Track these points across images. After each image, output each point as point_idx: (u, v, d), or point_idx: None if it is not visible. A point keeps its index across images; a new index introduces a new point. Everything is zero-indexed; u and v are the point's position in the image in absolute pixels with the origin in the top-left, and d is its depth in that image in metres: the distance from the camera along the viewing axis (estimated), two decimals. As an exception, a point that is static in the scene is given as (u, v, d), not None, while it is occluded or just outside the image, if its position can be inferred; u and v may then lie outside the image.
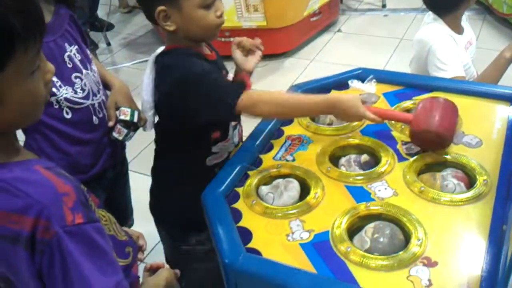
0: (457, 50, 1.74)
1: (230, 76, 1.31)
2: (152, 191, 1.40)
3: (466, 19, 1.87)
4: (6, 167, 0.74)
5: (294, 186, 1.12)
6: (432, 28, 1.78)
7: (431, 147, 1.17)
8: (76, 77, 1.22)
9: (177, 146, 1.29)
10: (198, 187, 1.12)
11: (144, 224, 1.64)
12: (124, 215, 1.58)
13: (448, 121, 1.16)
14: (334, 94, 1.32)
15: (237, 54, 1.29)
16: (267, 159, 1.22)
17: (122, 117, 1.29)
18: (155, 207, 1.40)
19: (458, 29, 1.80)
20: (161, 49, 1.24)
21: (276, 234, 1.02)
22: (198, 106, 1.14)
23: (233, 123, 1.29)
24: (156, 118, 1.31)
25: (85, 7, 3.13)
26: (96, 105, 1.27)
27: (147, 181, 1.58)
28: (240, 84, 1.21)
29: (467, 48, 1.82)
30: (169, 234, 1.42)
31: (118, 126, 1.30)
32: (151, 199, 1.40)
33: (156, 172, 1.38)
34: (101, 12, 3.89)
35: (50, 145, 1.22)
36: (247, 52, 1.29)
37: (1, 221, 0.71)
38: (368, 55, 3.18)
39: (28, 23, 0.70)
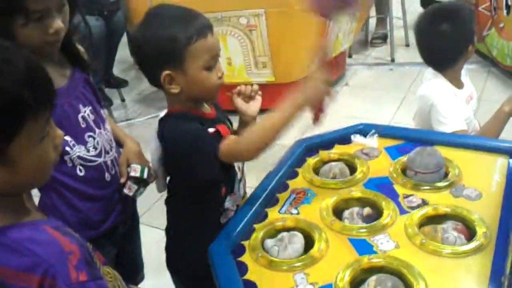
0: (458, 104, 1.80)
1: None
2: (168, 249, 1.41)
3: (465, 73, 1.94)
4: (16, 228, 0.79)
5: (298, 239, 1.15)
6: (433, 84, 1.84)
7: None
8: (89, 137, 1.28)
9: (190, 206, 1.32)
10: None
11: (154, 278, 1.67)
12: (135, 269, 1.60)
13: None
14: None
15: (239, 102, 1.35)
16: (273, 212, 1.26)
17: (132, 173, 1.34)
18: (171, 264, 1.41)
19: (458, 84, 1.87)
20: (162, 114, 1.28)
21: (280, 287, 1.04)
22: (191, 169, 1.20)
23: (238, 176, 1.33)
24: (168, 178, 1.36)
25: (100, 69, 3.26)
26: (109, 162, 1.32)
27: (158, 235, 1.60)
28: (217, 134, 1.21)
29: (468, 102, 1.87)
30: None
31: (129, 182, 1.34)
32: (167, 256, 1.42)
33: (170, 231, 1.40)
34: (116, 70, 4.05)
35: (64, 203, 1.26)
36: (249, 98, 1.35)
37: (11, 279, 0.75)
38: (375, 108, 3.25)
39: (38, 94, 0.77)
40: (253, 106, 1.35)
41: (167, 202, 1.39)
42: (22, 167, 0.78)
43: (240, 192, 1.34)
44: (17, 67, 0.75)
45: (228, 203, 1.31)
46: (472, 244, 1.08)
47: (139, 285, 1.52)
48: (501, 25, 3.37)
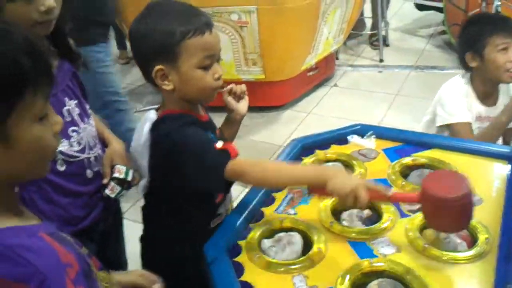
0: (464, 105, 1.77)
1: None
2: (147, 257, 1.35)
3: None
4: (9, 232, 0.72)
5: (297, 240, 1.11)
6: (451, 80, 1.85)
7: (448, 225, 1.04)
8: (73, 131, 1.22)
9: (177, 211, 1.27)
10: (200, 247, 1.12)
11: (140, 276, 1.62)
12: (118, 267, 1.54)
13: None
14: (330, 167, 1.27)
15: (230, 100, 1.32)
16: (269, 212, 1.22)
17: (116, 174, 1.29)
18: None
19: (483, 97, 1.81)
20: (152, 113, 1.23)
21: (279, 289, 1.01)
22: (191, 177, 1.14)
23: (230, 182, 1.28)
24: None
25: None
26: (92, 158, 1.27)
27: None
28: (225, 152, 1.14)
29: (481, 121, 1.81)
30: None
31: (112, 183, 1.29)
32: (145, 265, 1.34)
33: (149, 238, 1.35)
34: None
35: (42, 197, 1.20)
36: (238, 98, 1.33)
37: None
38: (364, 110, 3.24)
39: (38, 66, 0.72)
40: (243, 105, 1.34)
41: (148, 207, 1.33)
42: (19, 147, 0.72)
43: (230, 195, 1.31)
44: (17, 36, 0.72)
45: (221, 209, 1.28)
46: (474, 250, 1.06)
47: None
48: None
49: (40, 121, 0.75)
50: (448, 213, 1.01)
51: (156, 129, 1.19)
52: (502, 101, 1.83)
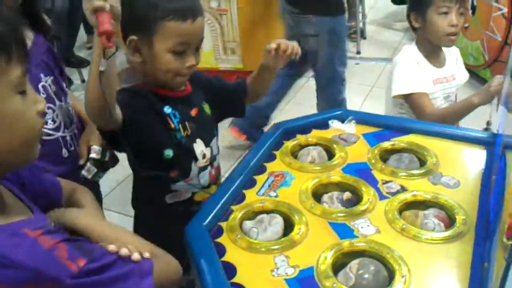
0: (419, 73, 1.78)
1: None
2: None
3: (452, 56, 1.89)
4: None
5: (278, 222, 1.12)
6: (403, 49, 1.86)
7: None
8: (48, 108, 1.20)
9: (140, 184, 1.29)
10: (166, 225, 1.11)
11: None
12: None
13: None
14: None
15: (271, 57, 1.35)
16: (250, 194, 1.22)
17: (93, 155, 1.27)
18: None
19: (433, 60, 1.81)
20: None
21: (260, 269, 1.01)
22: None
23: (199, 164, 1.28)
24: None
25: (62, 38, 3.11)
26: (68, 137, 1.25)
27: (119, 219, 1.54)
28: None
29: (440, 82, 1.83)
30: None
31: (88, 164, 1.27)
32: None
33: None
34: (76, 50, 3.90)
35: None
36: (284, 54, 1.34)
37: None
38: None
39: (9, 32, 0.70)
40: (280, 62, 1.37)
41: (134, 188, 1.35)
42: (2, 121, 0.70)
43: (200, 180, 1.30)
44: None
45: (179, 186, 1.26)
46: (451, 231, 1.08)
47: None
48: (466, 25, 3.44)
49: (21, 94, 0.72)
50: None
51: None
52: (449, 61, 1.86)
